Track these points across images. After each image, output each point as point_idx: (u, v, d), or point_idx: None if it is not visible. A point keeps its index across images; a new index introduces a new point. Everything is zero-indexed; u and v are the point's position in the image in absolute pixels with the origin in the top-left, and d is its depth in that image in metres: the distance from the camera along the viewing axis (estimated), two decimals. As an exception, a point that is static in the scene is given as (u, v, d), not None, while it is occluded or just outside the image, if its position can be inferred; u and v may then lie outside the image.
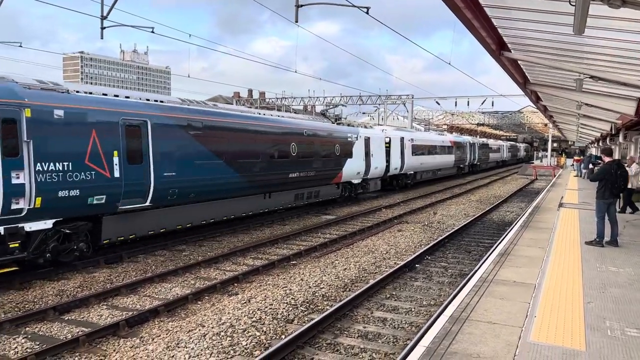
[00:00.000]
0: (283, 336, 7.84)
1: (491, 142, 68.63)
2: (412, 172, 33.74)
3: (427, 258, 13.49)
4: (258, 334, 7.90)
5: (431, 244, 14.63)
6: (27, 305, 9.43)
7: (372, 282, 10.68)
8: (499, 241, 12.89)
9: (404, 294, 10.27)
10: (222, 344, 7.43)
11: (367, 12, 14.21)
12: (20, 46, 15.83)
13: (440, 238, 15.67)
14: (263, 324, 8.31)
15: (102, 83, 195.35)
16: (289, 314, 8.86)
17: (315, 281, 11.02)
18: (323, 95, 54.99)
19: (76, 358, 7.19)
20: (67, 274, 11.54)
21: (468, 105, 49.13)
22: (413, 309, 9.29)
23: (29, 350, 7.44)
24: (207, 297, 10.08)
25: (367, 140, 25.87)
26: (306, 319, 8.70)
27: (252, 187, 17.00)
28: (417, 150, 34.08)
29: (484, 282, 8.17)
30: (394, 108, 56.72)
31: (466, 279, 10.13)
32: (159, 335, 8.00)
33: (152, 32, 18.40)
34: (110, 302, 9.79)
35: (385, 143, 28.88)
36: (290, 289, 10.35)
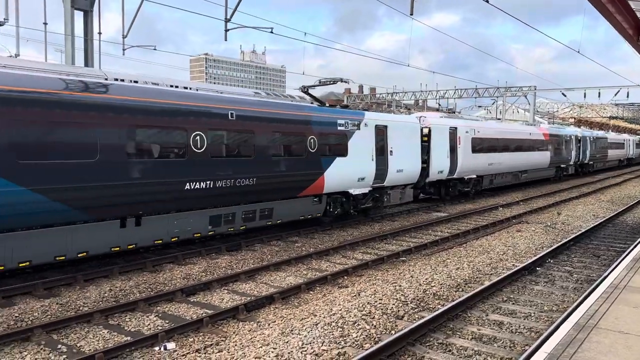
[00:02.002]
0: (393, 332, 7.81)
1: (611, 135, 53.88)
2: (473, 176, 24.75)
3: (549, 261, 12.62)
4: (368, 327, 7.95)
5: (554, 246, 13.66)
6: (158, 287, 10.35)
7: (487, 283, 10.24)
8: (634, 245, 11.69)
9: (522, 297, 9.71)
10: (333, 334, 7.58)
11: (487, 1, 13.57)
12: (155, 49, 17.44)
13: (565, 240, 14.57)
14: (373, 318, 8.34)
15: (224, 83, 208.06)
16: (398, 310, 8.80)
17: (426, 279, 10.82)
18: (436, 89, 53.65)
19: (200, 337, 7.76)
20: (194, 259, 12.49)
21: (599, 96, 44.66)
22: (532, 314, 8.75)
23: (159, 327, 8.17)
24: (318, 288, 10.34)
25: (380, 131, 17.73)
26: (416, 316, 8.58)
27: (75, 208, 9.87)
28: (482, 145, 25.00)
29: (615, 288, 7.47)
30: (513, 101, 53.70)
31: (594, 284, 9.32)
32: (274, 321, 8.37)
33: (271, 32, 19.17)
34: (231, 287, 10.43)
35: (423, 135, 20.73)
36: (400, 285, 10.27)
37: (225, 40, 18.92)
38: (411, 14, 14.46)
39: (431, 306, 9.13)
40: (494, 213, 21.13)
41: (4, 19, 17.94)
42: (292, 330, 7.75)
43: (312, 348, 7.08)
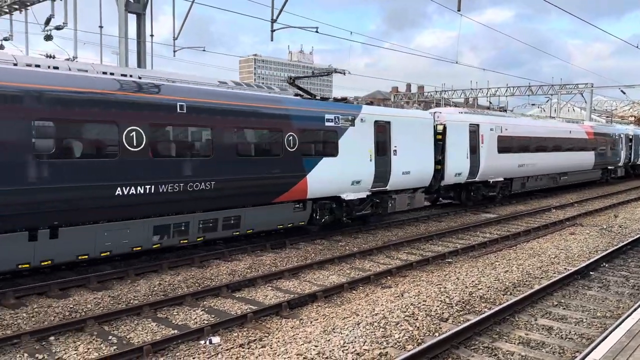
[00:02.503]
0: (437, 334, 7.68)
1: None
2: (499, 179, 21.91)
3: (604, 265, 12.06)
4: (411, 328, 7.85)
5: (610, 250, 13.06)
6: (205, 282, 10.60)
7: (537, 287, 9.91)
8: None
9: (574, 302, 9.33)
10: (375, 334, 7.54)
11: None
12: (204, 50, 17.91)
13: (622, 244, 13.90)
14: (416, 319, 8.23)
15: (272, 83, 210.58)
16: (443, 312, 8.65)
17: (473, 281, 10.58)
18: (487, 87, 52.32)
19: (244, 332, 7.89)
20: (239, 256, 12.71)
21: (662, 93, 41.74)
22: (584, 320, 8.40)
23: (205, 322, 8.36)
24: (361, 287, 10.31)
25: (381, 127, 15.70)
26: (462, 319, 8.40)
27: None
28: (511, 144, 22.31)
29: (675, 296, 7.05)
30: (569, 98, 51.66)
31: (652, 291, 8.84)
32: (317, 319, 8.41)
33: (316, 31, 19.28)
34: (275, 284, 10.55)
35: (437, 133, 18.40)
36: (445, 287, 10.08)
37: (272, 40, 19.11)
38: (458, 10, 14.19)
39: (477, 309, 8.92)
40: (547, 215, 20.41)
41: (63, 23, 18.84)
42: (334, 329, 7.76)
43: (353, 347, 7.07)
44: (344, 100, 16.00)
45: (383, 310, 8.62)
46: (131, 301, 9.27)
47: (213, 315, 8.65)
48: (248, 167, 12.23)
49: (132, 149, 10.15)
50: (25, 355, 6.96)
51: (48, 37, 19.99)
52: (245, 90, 13.61)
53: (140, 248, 10.80)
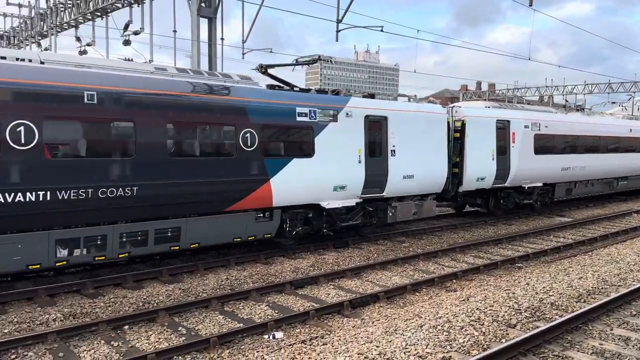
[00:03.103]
0: (504, 340, 7.43)
1: None
2: (537, 185, 19.00)
3: (692, 275, 11.17)
4: (476, 333, 7.64)
5: (698, 259, 12.08)
6: (269, 278, 10.83)
7: (613, 295, 9.34)
8: None
9: (656, 313, 8.71)
10: (438, 338, 7.40)
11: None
12: (271, 52, 18.29)
13: None
14: (482, 325, 7.99)
15: (338, 83, 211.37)
16: (510, 318, 8.34)
17: (544, 287, 10.12)
18: (563, 84, 49.81)
19: (306, 329, 7.99)
20: (302, 254, 12.87)
21: None
22: (667, 333, 7.82)
23: (269, 317, 8.54)
24: (424, 290, 10.15)
25: (374, 124, 13.53)
26: (531, 325, 8.07)
27: None
28: (552, 144, 19.35)
29: None
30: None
31: None
32: (378, 320, 8.37)
33: (382, 30, 19.16)
34: (337, 282, 10.60)
35: (454, 130, 15.99)
36: (514, 293, 9.72)
37: (337, 40, 19.15)
38: (530, 5, 13.61)
39: (548, 316, 8.53)
40: (627, 219, 19.18)
41: (140, 28, 19.88)
42: (395, 330, 7.70)
43: (415, 349, 6.97)
44: (335, 93, 13.65)
45: (447, 313, 8.44)
46: (200, 294, 9.64)
47: (277, 311, 8.82)
48: (187, 170, 10.27)
49: (18, 148, 8.44)
50: (102, 342, 7.41)
51: (127, 42, 21.14)
52: (188, 78, 11.29)
53: (38, 266, 9.00)
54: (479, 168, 16.48)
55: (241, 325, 8.10)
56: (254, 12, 17.24)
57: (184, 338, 7.59)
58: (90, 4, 22.43)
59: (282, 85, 12.88)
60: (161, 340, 7.52)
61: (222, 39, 18.01)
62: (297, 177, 11.99)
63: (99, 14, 22.59)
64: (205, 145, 10.82)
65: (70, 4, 24.21)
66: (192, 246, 10.76)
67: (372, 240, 14.57)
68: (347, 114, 12.90)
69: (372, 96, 14.26)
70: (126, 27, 20.63)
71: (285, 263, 12.02)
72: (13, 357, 6.84)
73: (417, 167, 14.30)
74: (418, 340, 7.30)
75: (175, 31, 18.70)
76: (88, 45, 24.33)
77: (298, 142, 12.22)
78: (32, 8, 28.65)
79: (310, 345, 7.33)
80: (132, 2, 19.87)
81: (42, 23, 27.81)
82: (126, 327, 7.96)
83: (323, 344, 7.32)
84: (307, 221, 12.88)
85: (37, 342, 7.22)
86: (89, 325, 7.78)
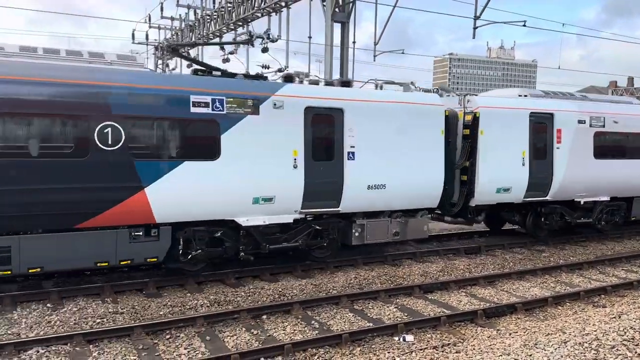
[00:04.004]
0: (664, 366, 6.63)
1: None
2: (601, 199, 14.69)
3: None
4: (630, 354, 6.90)
5: None
6: (397, 280, 10.78)
7: None
8: None
9: None
10: (585, 356, 6.81)
11: None
12: (402, 53, 18.19)
13: None
14: (637, 345, 7.20)
15: (468, 81, 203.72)
16: (673, 342, 7.41)
17: None
18: None
19: (437, 335, 7.83)
20: (431, 258, 12.63)
21: None
22: None
23: (398, 319, 8.52)
24: (568, 304, 9.41)
25: (322, 118, 10.75)
26: (699, 353, 7.09)
27: None
28: (622, 144, 15.00)
29: None
30: None
31: None
32: (516, 332, 7.94)
33: (524, 25, 18.07)
34: (469, 290, 10.24)
35: (464, 125, 12.75)
36: (677, 314, 8.61)
37: (473, 38, 18.55)
38: None
39: None
40: None
41: (278, 35, 20.90)
42: (536, 344, 7.23)
43: (559, 367, 6.50)
44: (258, 77, 10.87)
45: (595, 330, 7.73)
46: (330, 291, 9.90)
47: (406, 314, 8.76)
48: (14, 174, 8.23)
49: None
50: (243, 329, 7.94)
51: (265, 50, 22.38)
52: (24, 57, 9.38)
53: None
54: (500, 176, 12.76)
55: (371, 324, 8.18)
56: (384, 14, 17.34)
57: (317, 332, 7.86)
58: (233, 14, 24.12)
59: (204, 69, 10.55)
60: (296, 332, 7.87)
61: (354, 42, 18.35)
62: (193, 186, 9.47)
63: (240, 23, 24.18)
64: (43, 143, 8.47)
65: (215, 15, 26.27)
66: (31, 271, 8.61)
67: (507, 247, 13.82)
68: (276, 104, 10.14)
69: (316, 83, 11.45)
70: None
71: (413, 266, 11.89)
72: (167, 337, 7.62)
73: (391, 174, 11.28)
74: (562, 356, 6.79)
75: (310, 37, 19.44)
76: (230, 53, 26.20)
77: (193, 140, 9.62)
78: (182, 20, 31.60)
79: (442, 351, 7.17)
80: (271, 11, 21.00)
81: (190, 34, 30.56)
82: (264, 316, 8.45)
83: (456, 352, 7.13)
84: (215, 242, 10.18)
85: (187, 324, 7.96)
86: (231, 312, 8.40)
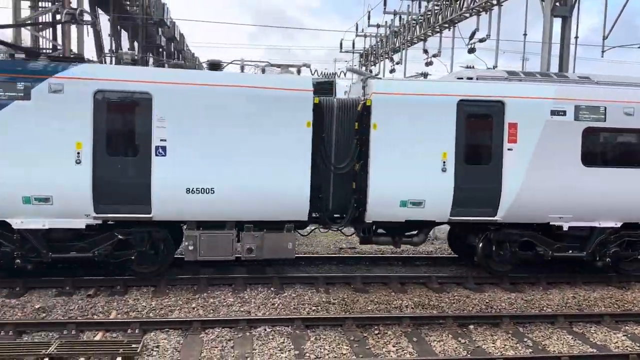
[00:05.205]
0: None
1: None
2: (603, 225, 10.31)
3: None
4: None
5: None
6: (625, 305, 9.49)
7: None
8: None
9: None
10: None
11: None
12: (639, 47, 15.87)
13: None
14: None
15: None
16: None
17: None
18: None
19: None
20: (667, 284, 10.82)
21: None
22: None
23: (628, 348, 7.51)
24: None
25: (123, 105, 8.98)
26: None
27: None
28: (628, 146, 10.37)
29: None
30: None
31: None
32: None
33: None
34: None
35: (355, 117, 9.80)
36: None
37: None
38: None
39: None
40: None
41: (487, 35, 20.06)
42: None
43: None
44: (77, 59, 9.69)
45: None
46: (544, 308, 9.17)
47: (638, 344, 7.67)
48: None
49: None
50: (450, 336, 7.83)
51: (471, 50, 21.74)
52: None
53: None
54: (404, 184, 9.69)
55: (595, 350, 7.37)
56: (612, 5, 15.33)
57: (530, 350, 7.37)
58: (439, 17, 23.95)
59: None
60: (507, 347, 7.48)
61: (577, 37, 16.63)
62: None
63: (446, 25, 23.90)
64: None
65: (421, 19, 26.40)
66: None
67: None
68: (52, 88, 8.61)
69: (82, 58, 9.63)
70: (472, 35, 21.20)
71: (646, 291, 10.34)
72: (376, 332, 7.92)
73: (224, 176, 9.20)
74: None
75: (525, 35, 18.23)
76: (434, 56, 26.08)
77: None
78: (387, 27, 32.46)
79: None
80: (480, 10, 20.29)
81: (395, 40, 31.23)
82: (471, 326, 8.22)
83: None
84: None
85: (394, 323, 8.16)
86: (437, 317, 8.37)
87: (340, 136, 9.90)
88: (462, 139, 9.77)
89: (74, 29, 18.72)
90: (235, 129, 9.19)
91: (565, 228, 10.21)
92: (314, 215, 9.89)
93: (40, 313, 8.19)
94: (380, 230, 10.44)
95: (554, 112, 9.91)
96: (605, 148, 10.39)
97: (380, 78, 11.46)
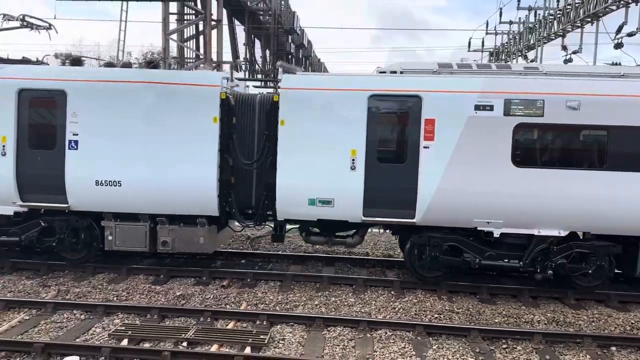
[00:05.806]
0: None
1: None
2: (535, 233, 8.91)
3: None
4: None
5: None
6: None
7: None
8: None
9: None
10: None
11: None
12: None
13: None
14: None
15: None
16: None
17: None
18: None
19: None
20: None
21: None
22: None
23: None
24: None
25: (44, 101, 9.78)
26: None
27: None
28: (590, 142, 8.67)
29: None
30: None
31: None
32: None
33: None
34: None
35: (266, 113, 9.67)
36: None
37: None
38: None
39: None
40: None
41: (637, 29, 18.00)
42: None
43: None
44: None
45: None
46: None
47: None
48: None
49: None
50: (588, 357, 7.18)
51: (618, 45, 19.71)
52: None
53: None
54: (312, 182, 9.34)
55: None
56: None
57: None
58: (581, 10, 22.04)
59: None
60: (658, 376, 6.68)
61: None
62: None
63: (589, 19, 21.93)
64: None
65: (559, 14, 24.51)
66: None
67: None
68: None
69: (28, 61, 10.64)
70: (619, 29, 19.22)
71: None
72: (504, 346, 7.51)
73: (130, 169, 9.55)
74: None
75: (687, 25, 16.09)
76: (574, 53, 24.06)
77: None
78: (521, 23, 30.60)
79: None
80: (630, 2, 18.32)
81: (529, 36, 29.34)
82: (613, 348, 7.46)
83: None
84: None
85: (524, 338, 7.67)
86: (573, 335, 7.71)
87: (250, 132, 9.92)
88: (374, 136, 9.33)
89: (214, 40, 20.20)
90: (143, 124, 9.60)
91: (496, 234, 9.28)
92: (227, 210, 10.02)
93: (180, 300, 8.98)
94: (315, 230, 10.27)
95: (478, 107, 9.04)
96: (542, 147, 9.26)
97: (307, 74, 11.46)
